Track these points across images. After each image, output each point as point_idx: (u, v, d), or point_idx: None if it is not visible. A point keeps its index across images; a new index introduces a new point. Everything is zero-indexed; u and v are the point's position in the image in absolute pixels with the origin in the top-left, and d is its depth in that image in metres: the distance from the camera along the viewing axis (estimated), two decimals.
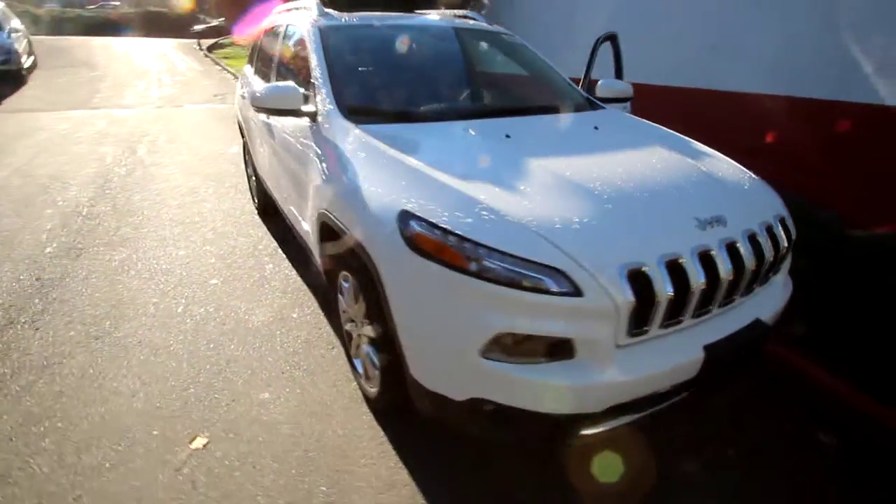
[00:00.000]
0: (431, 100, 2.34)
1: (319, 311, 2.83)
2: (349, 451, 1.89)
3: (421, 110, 2.22)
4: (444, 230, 1.42)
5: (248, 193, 4.62)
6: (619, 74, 3.59)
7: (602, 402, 1.39)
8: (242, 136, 4.18)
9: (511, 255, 1.34)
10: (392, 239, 1.51)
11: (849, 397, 2.02)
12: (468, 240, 1.39)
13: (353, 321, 2.12)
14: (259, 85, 3.39)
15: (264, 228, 3.95)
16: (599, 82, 2.88)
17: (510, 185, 1.58)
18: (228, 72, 13.68)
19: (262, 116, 2.96)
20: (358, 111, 2.11)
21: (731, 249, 1.52)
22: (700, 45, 4.58)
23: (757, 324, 1.63)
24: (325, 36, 2.47)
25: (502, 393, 1.41)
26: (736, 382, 2.00)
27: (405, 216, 1.50)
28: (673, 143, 2.09)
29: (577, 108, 2.53)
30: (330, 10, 2.70)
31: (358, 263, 1.78)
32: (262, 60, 3.52)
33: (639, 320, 1.38)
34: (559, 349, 1.37)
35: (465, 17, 3.21)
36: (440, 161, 1.69)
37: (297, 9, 3.08)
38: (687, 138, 2.25)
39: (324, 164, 2.02)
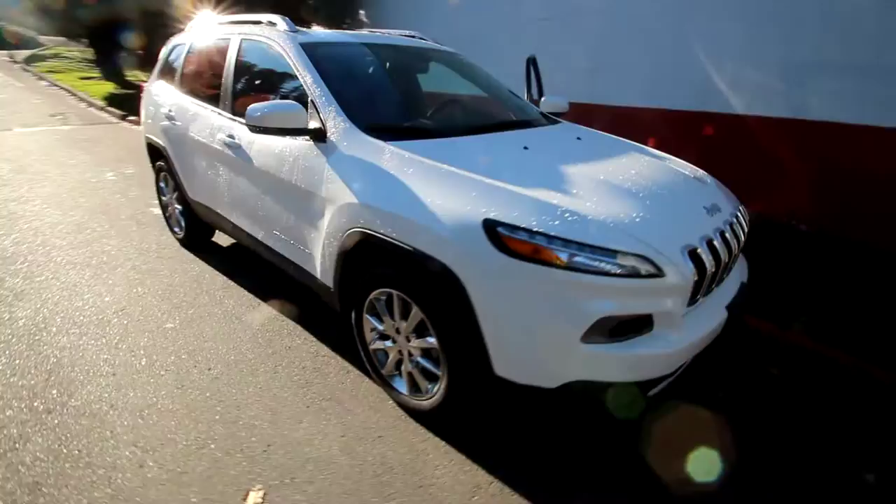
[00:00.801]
0: (433, 116, 2.42)
1: (312, 338, 2.67)
2: (418, 466, 1.88)
3: (435, 126, 2.29)
4: (537, 233, 1.55)
5: (159, 225, 4.08)
6: (540, 92, 4.05)
7: (676, 364, 1.66)
8: (160, 160, 3.67)
9: (602, 248, 1.53)
10: (479, 246, 1.59)
11: (785, 338, 2.65)
12: (560, 238, 1.54)
13: (387, 338, 2.10)
14: (196, 105, 3.08)
15: (201, 262, 3.53)
16: (543, 99, 3.24)
17: (563, 188, 1.77)
18: (60, 88, 11.53)
19: (223, 137, 2.71)
20: (375, 128, 2.10)
21: (732, 228, 1.93)
22: (584, 68, 5.37)
23: (743, 286, 2.08)
24: (311, 52, 2.38)
25: (597, 372, 1.59)
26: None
27: (491, 223, 1.59)
28: (642, 150, 2.50)
29: (545, 123, 2.83)
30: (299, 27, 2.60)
31: (416, 276, 1.81)
32: (198, 78, 3.19)
33: (694, 292, 1.68)
34: (643, 324, 1.60)
35: (412, 36, 3.31)
36: (491, 171, 1.81)
37: (246, 23, 2.88)
38: (641, 145, 2.69)
39: (353, 183, 1.97)
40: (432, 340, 1.86)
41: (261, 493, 1.74)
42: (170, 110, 3.31)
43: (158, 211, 4.18)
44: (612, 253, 1.53)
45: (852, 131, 3.70)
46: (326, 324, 2.76)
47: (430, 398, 1.97)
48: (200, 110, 3.04)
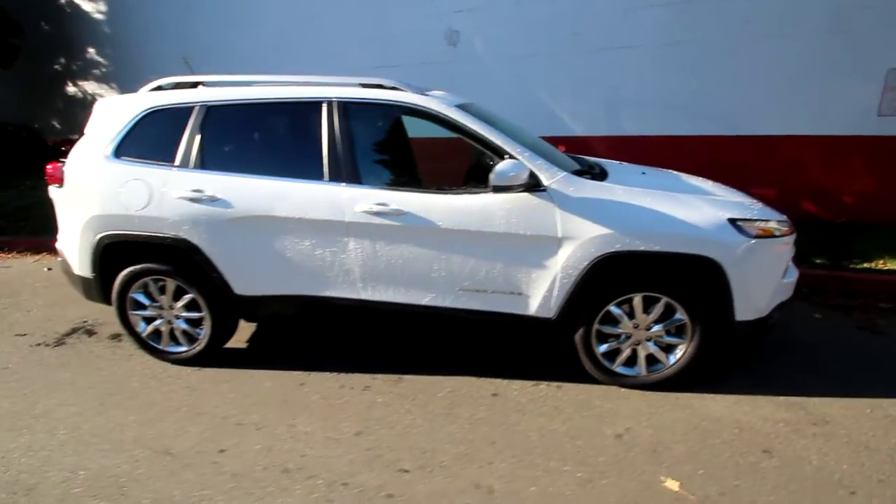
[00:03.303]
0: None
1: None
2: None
3: (588, 168, 2.84)
4: (757, 220, 2.47)
5: (123, 350, 2.98)
6: None
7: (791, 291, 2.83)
8: (151, 260, 2.75)
9: (780, 220, 2.56)
10: (732, 237, 2.40)
11: None
12: (764, 220, 2.50)
13: (617, 338, 2.61)
14: (269, 181, 2.63)
15: (251, 371, 2.89)
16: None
17: (717, 192, 2.73)
18: None
19: (368, 207, 2.53)
20: (578, 173, 2.58)
21: None
22: None
23: None
24: (473, 112, 2.59)
25: (780, 297, 2.62)
26: None
27: (731, 220, 2.42)
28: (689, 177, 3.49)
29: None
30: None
31: (671, 272, 2.46)
32: (253, 150, 2.76)
33: None
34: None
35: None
36: (680, 189, 2.61)
37: (340, 86, 2.64)
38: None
39: (601, 218, 2.41)
40: (680, 317, 2.52)
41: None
42: (199, 191, 2.62)
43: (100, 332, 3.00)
44: (784, 222, 2.59)
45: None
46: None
47: (673, 365, 2.60)
48: (281, 185, 2.62)
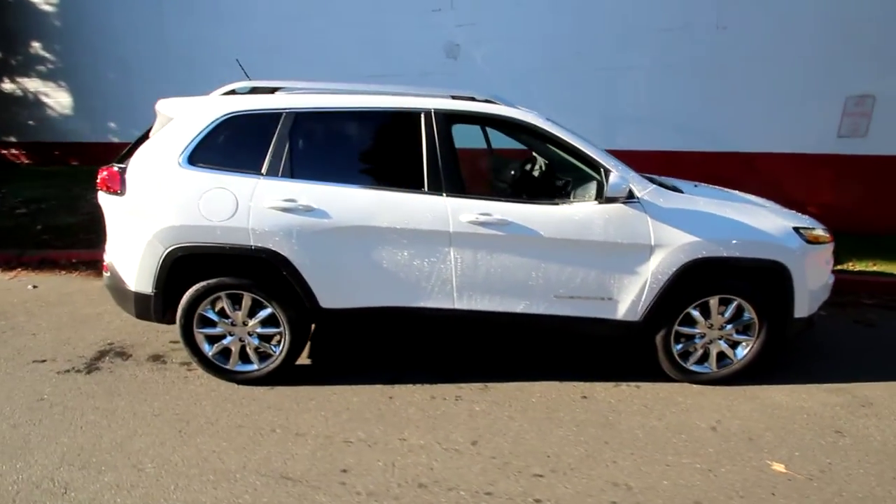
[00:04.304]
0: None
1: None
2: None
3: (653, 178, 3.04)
4: (810, 228, 2.80)
5: (176, 374, 2.76)
6: None
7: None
8: (227, 274, 2.59)
9: (823, 227, 2.92)
10: (796, 243, 2.70)
11: None
12: (815, 227, 2.84)
13: (693, 338, 2.83)
14: (366, 191, 2.59)
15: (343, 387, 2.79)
16: None
17: (767, 206, 3.05)
18: None
19: (473, 217, 2.57)
20: (663, 185, 2.79)
21: None
22: None
23: None
24: (562, 126, 2.71)
25: (823, 297, 2.98)
26: None
27: (795, 229, 2.73)
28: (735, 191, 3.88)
29: None
30: None
31: (747, 275, 2.72)
32: (345, 159, 2.69)
33: None
34: None
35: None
36: (739, 201, 2.91)
37: (433, 97, 2.65)
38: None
39: (689, 227, 2.61)
40: (749, 316, 2.79)
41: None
42: (292, 201, 2.52)
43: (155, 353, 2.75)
44: (826, 230, 2.95)
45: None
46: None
47: (741, 360, 2.86)
48: (379, 195, 2.59)
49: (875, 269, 4.69)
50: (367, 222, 2.56)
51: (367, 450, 2.34)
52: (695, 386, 2.92)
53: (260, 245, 2.54)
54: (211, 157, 2.59)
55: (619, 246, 2.63)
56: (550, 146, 2.82)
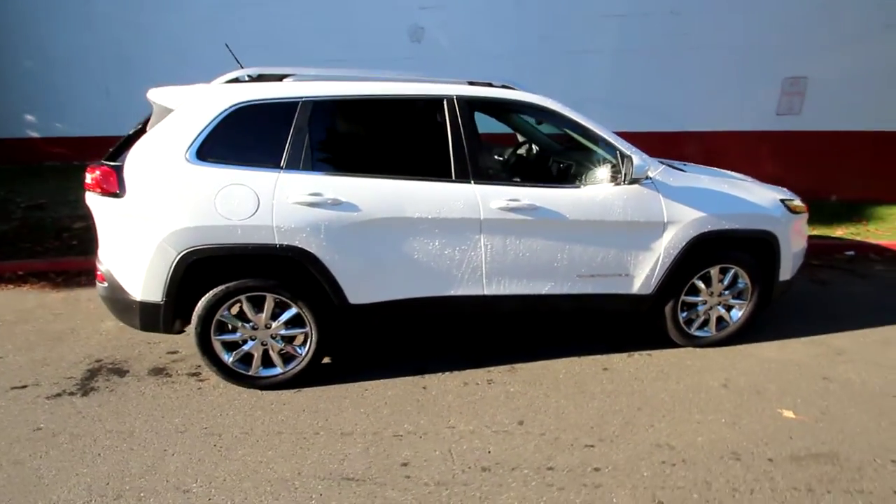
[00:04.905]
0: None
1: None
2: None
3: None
4: (791, 199, 3.10)
5: (187, 384, 2.60)
6: None
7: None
8: (249, 276, 2.44)
9: (798, 196, 3.24)
10: (783, 214, 3.00)
11: None
12: (796, 199, 3.15)
13: (698, 304, 3.07)
14: (391, 181, 2.52)
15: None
16: None
17: (749, 179, 3.32)
18: None
19: (503, 203, 2.58)
20: (670, 166, 2.95)
21: None
22: None
23: None
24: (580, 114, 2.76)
25: (799, 262, 3.32)
26: None
27: (782, 200, 3.01)
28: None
29: None
30: None
31: (744, 246, 2.97)
32: (368, 148, 2.56)
33: None
34: None
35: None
36: (730, 177, 3.15)
37: (453, 83, 2.60)
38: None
39: (697, 204, 2.79)
40: (743, 282, 3.06)
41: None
42: (318, 195, 2.40)
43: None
44: (800, 200, 3.27)
45: None
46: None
47: (736, 322, 3.15)
48: (407, 185, 2.53)
49: (815, 233, 5.28)
50: (397, 213, 2.51)
51: (419, 441, 2.33)
52: (698, 350, 3.17)
53: (286, 243, 2.41)
54: (222, 150, 2.40)
55: (636, 224, 2.78)
56: (569, 131, 2.89)
